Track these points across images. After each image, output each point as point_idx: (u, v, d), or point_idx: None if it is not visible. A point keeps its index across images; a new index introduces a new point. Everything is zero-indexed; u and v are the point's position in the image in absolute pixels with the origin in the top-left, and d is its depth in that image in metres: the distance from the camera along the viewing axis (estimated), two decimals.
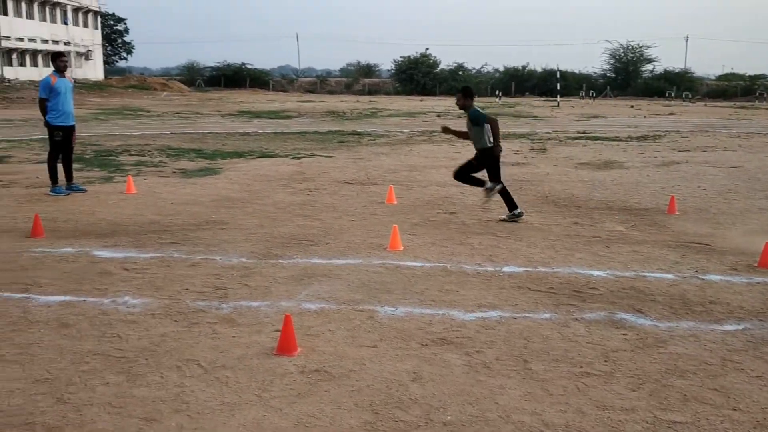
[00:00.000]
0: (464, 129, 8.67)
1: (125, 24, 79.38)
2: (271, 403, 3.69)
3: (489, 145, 8.21)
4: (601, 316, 5.08)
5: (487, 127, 8.15)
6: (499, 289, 5.69)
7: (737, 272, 6.25)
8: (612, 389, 3.91)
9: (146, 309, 5.13)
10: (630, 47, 65.12)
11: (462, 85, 9.54)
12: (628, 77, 64.29)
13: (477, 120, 8.21)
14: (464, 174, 8.60)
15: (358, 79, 71.72)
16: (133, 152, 15.16)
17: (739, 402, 3.76)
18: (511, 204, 8.39)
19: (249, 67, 70.25)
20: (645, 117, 31.50)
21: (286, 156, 14.86)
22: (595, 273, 6.18)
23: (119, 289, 5.57)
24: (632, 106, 42.23)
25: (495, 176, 8.36)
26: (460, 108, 8.50)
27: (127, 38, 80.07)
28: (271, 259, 6.51)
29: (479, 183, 8.55)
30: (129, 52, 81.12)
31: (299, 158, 14.51)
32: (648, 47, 65.35)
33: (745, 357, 4.36)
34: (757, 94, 55.96)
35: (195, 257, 6.55)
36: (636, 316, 5.10)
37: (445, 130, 8.98)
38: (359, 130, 21.86)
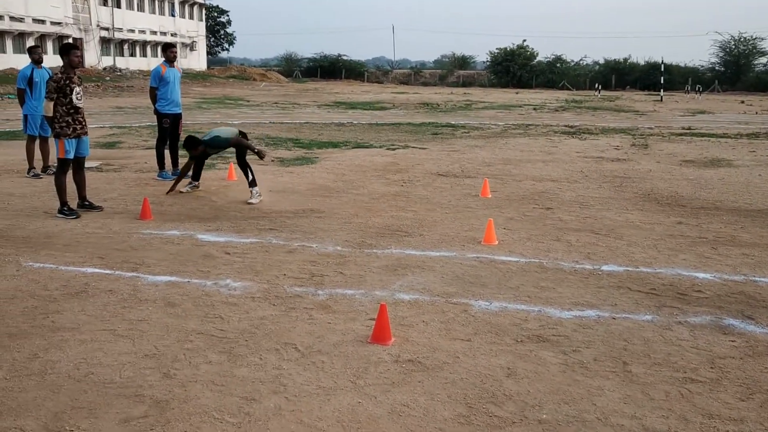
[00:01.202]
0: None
1: (228, 16, 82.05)
2: (366, 390, 3.74)
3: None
4: (707, 321, 4.85)
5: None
6: (597, 288, 5.53)
7: None
8: (719, 397, 3.73)
9: (246, 292, 5.31)
10: (742, 39, 61.63)
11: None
12: (738, 71, 60.85)
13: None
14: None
15: (453, 70, 71.24)
16: None
17: None
18: None
19: (345, 58, 71.13)
20: (757, 113, 29.74)
21: (381, 147, 14.97)
22: (701, 275, 5.91)
23: (221, 272, 5.79)
24: (742, 102, 39.97)
25: None
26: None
27: (229, 30, 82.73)
28: (366, 249, 6.58)
29: None
30: (231, 43, 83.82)
31: (393, 149, 14.58)
32: (762, 39, 62.08)
33: None
34: None
35: (292, 244, 6.71)
36: (745, 322, 4.84)
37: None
38: (453, 123, 21.74)
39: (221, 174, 10.81)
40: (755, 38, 61.35)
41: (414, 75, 71.27)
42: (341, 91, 44.16)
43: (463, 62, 76.31)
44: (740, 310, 5.09)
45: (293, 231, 7.23)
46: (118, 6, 55.45)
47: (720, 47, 62.40)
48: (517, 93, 49.03)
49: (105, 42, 53.89)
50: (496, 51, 65.43)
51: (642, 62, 62.70)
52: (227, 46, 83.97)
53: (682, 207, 8.88)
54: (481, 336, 4.53)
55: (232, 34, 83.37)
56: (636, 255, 6.53)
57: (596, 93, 46.94)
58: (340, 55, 71.22)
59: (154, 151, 10.71)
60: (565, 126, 21.01)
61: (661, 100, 39.41)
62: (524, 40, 65.66)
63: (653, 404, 3.65)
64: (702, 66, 63.76)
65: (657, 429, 3.40)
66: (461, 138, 17.28)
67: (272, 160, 12.60)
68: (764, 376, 4.00)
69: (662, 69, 45.18)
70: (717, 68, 62.62)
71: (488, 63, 67.40)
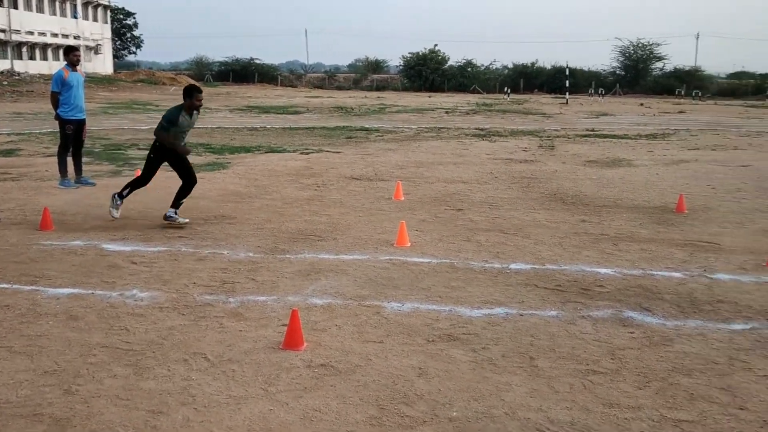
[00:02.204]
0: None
1: (134, 18, 79.61)
2: (277, 397, 3.70)
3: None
4: (608, 314, 5.07)
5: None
6: (506, 286, 5.69)
7: (745, 271, 6.22)
8: (618, 387, 3.90)
9: (154, 302, 5.16)
10: (640, 45, 64.85)
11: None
12: (637, 75, 63.98)
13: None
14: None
15: (367, 74, 71.63)
16: (141, 146, 15.19)
17: (746, 401, 3.75)
18: None
19: (257, 62, 70.32)
20: (654, 115, 31.35)
21: (294, 151, 14.88)
22: (603, 271, 6.16)
23: (127, 283, 5.60)
24: (642, 104, 42.03)
25: None
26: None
27: (136, 32, 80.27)
28: (279, 254, 6.52)
29: None
30: (138, 47, 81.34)
31: (307, 153, 14.52)
32: (658, 45, 65.10)
33: (752, 356, 4.35)
34: None
35: (202, 251, 6.57)
36: (643, 314, 5.09)
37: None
38: (367, 126, 21.86)
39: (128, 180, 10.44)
40: (652, 44, 64.73)
41: (328, 79, 71.22)
42: (254, 95, 43.63)
43: (376, 66, 76.87)
44: (638, 302, 5.34)
45: (203, 238, 7.08)
46: (15, 7, 52.80)
47: (620, 52, 65.46)
48: (429, 96, 49.79)
49: (1, 44, 51.21)
50: (409, 55, 66.30)
51: (548, 66, 65.00)
52: (134, 50, 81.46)
53: (586, 206, 9.25)
54: (393, 337, 4.57)
55: (139, 37, 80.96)
56: (542, 253, 6.74)
57: (505, 96, 48.26)
58: (252, 59, 70.35)
59: (55, 159, 10.25)
60: (476, 129, 21.49)
61: (567, 102, 40.95)
62: (436, 45, 66.81)
63: (558, 397, 3.78)
64: (604, 70, 66.73)
65: (561, 420, 3.52)
66: (375, 141, 17.40)
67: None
68: (660, 365, 4.21)
69: (567, 73, 46.93)
70: (618, 72, 65.61)
71: (401, 67, 68.14)
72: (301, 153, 14.59)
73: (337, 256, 6.51)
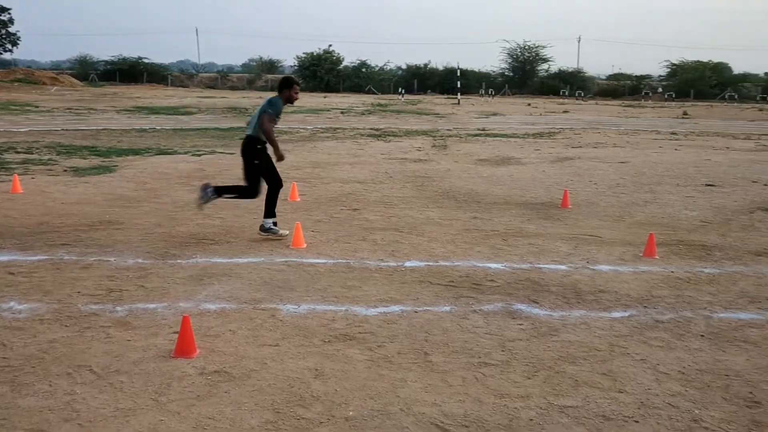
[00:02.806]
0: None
1: (9, 14, 74.75)
2: (169, 407, 3.58)
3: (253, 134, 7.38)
4: (499, 308, 5.23)
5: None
6: (401, 284, 5.76)
7: (624, 262, 6.59)
8: (508, 378, 4.04)
9: (33, 314, 4.87)
10: (526, 47, 67.30)
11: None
12: (525, 76, 66.38)
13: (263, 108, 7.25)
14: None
15: (261, 74, 70.57)
16: (19, 149, 14.33)
17: (625, 384, 3.97)
18: None
19: (146, 61, 67.66)
20: (541, 114, 32.66)
21: (186, 153, 14.46)
22: (493, 266, 6.36)
23: (3, 294, 5.26)
24: (529, 104, 43.69)
25: None
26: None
27: (12, 29, 75.48)
28: (170, 260, 6.32)
29: None
30: (14, 44, 76.41)
31: (199, 155, 14.15)
32: (543, 47, 67.69)
33: (630, 342, 4.61)
34: (643, 93, 59.11)
35: (87, 259, 6.27)
36: (531, 306, 5.29)
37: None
38: None
39: (4, 187, 9.84)
40: (538, 46, 67.27)
41: (221, 79, 69.63)
42: (143, 96, 42.02)
43: (271, 66, 75.87)
44: (527, 295, 5.55)
45: (88, 245, 6.75)
46: None
47: (508, 54, 67.64)
48: (325, 97, 49.69)
49: None
50: (304, 55, 65.85)
51: (441, 68, 66.25)
52: (10, 47, 76.39)
53: (477, 203, 9.51)
54: (289, 340, 4.53)
55: (15, 34, 76.13)
56: (436, 250, 6.88)
57: (400, 97, 48.86)
58: (140, 58, 67.66)
59: None
60: (371, 129, 21.66)
61: (459, 103, 41.96)
62: (330, 45, 66.73)
63: (451, 390, 3.86)
64: (494, 71, 68.73)
65: (454, 413, 3.60)
66: None
67: (64, 170, 11.69)
68: (547, 354, 4.39)
69: (459, 74, 48.07)
70: (507, 73, 67.80)
71: (296, 67, 67.59)
72: (193, 155, 14.20)
73: (231, 259, 6.38)
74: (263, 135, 7.24)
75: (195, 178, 11.07)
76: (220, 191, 7.35)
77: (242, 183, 7.37)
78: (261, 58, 77.20)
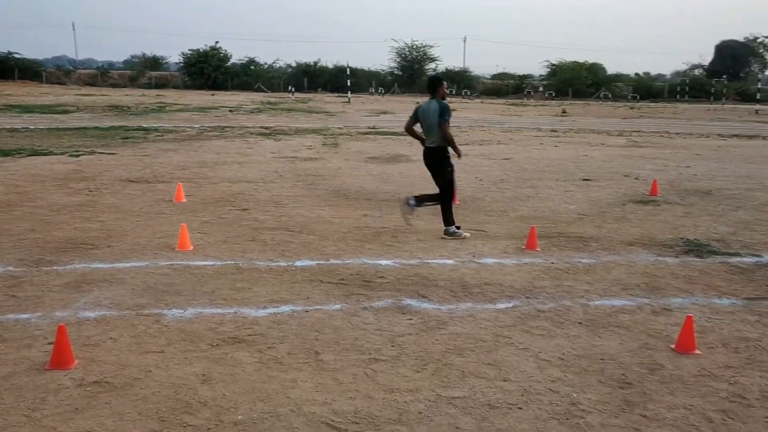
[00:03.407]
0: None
1: None
2: (43, 423, 3.39)
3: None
4: (389, 304, 5.29)
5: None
6: (291, 284, 5.71)
7: (508, 255, 6.83)
8: (398, 372, 4.09)
9: None
10: (414, 46, 68.43)
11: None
12: (413, 75, 67.42)
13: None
14: None
15: (144, 71, 67.91)
16: None
17: (509, 373, 4.12)
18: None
19: (17, 56, 63.53)
20: None
21: (63, 154, 13.70)
22: (384, 262, 6.43)
23: None
24: (418, 103, 44.45)
25: None
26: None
27: None
28: (44, 266, 5.98)
29: None
30: None
31: (77, 156, 13.44)
32: (431, 47, 69.06)
33: (514, 332, 4.79)
34: (526, 92, 61.58)
35: None
36: (420, 301, 5.39)
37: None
38: (145, 126, 20.75)
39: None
40: (425, 46, 68.56)
41: (101, 76, 66.37)
42: (14, 93, 39.45)
43: (155, 63, 73.22)
44: (416, 290, 5.64)
45: None
46: None
47: (397, 53, 68.50)
48: (213, 95, 48.52)
49: None
50: (189, 52, 63.94)
51: (331, 66, 66.24)
52: None
53: (368, 200, 9.58)
54: (175, 345, 4.39)
55: None
56: (327, 248, 6.87)
57: (290, 95, 48.48)
58: (11, 53, 63.45)
59: None
60: (261, 127, 21.35)
61: (349, 101, 42.13)
62: (217, 42, 65.13)
63: (342, 388, 3.87)
64: (383, 70, 69.43)
65: (345, 411, 3.61)
66: (154, 142, 16.58)
67: None
68: (436, 347, 4.48)
69: (348, 72, 48.22)
70: (396, 72, 68.65)
71: (181, 64, 65.55)
72: (71, 155, 13.48)
73: (113, 264, 6.11)
74: (446, 142, 7.68)
75: (73, 180, 10.53)
76: (420, 200, 7.75)
77: (432, 190, 7.88)
78: (144, 54, 74.40)
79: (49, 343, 4.23)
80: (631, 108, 45.15)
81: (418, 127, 7.72)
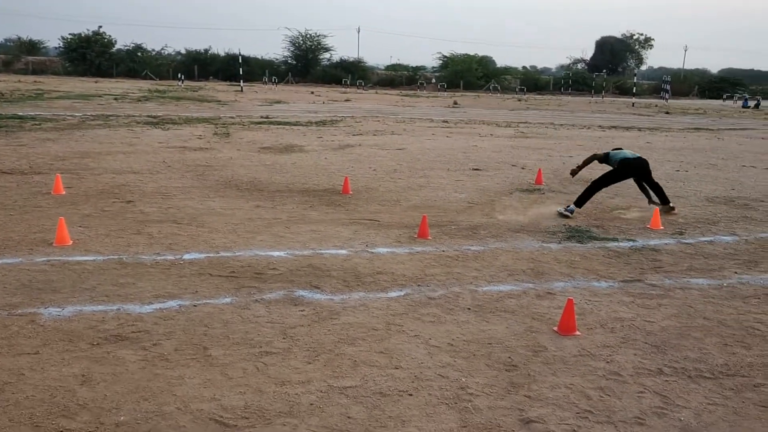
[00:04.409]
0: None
1: None
2: None
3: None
4: (281, 296, 5.23)
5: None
6: (179, 278, 5.53)
7: (401, 244, 6.91)
8: (290, 365, 4.05)
9: None
10: (309, 36, 67.91)
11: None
12: (308, 64, 66.98)
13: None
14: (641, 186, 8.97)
15: (20, 56, 63.77)
16: None
17: (400, 360, 4.17)
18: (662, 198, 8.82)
19: None
20: (324, 103, 33.18)
21: None
22: (276, 254, 6.34)
23: None
24: (312, 93, 44.20)
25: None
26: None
27: None
28: None
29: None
30: None
31: None
32: (325, 36, 68.75)
33: (405, 320, 4.85)
34: (419, 83, 62.53)
35: None
36: (313, 291, 5.35)
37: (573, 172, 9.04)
38: (21, 114, 19.49)
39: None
40: (319, 35, 68.19)
41: None
42: None
43: (31, 47, 68.89)
44: (309, 281, 5.60)
45: None
46: None
47: (291, 42, 67.76)
48: (96, 82, 46.23)
49: None
50: (70, 37, 60.62)
51: (223, 53, 64.67)
52: None
53: (260, 191, 9.43)
54: (52, 346, 4.15)
55: None
56: (217, 241, 6.70)
57: (179, 83, 46.98)
58: None
59: None
60: (148, 116, 20.55)
61: (242, 90, 41.29)
62: (100, 27, 62.07)
63: (231, 383, 3.79)
64: (277, 59, 68.48)
65: (235, 406, 3.53)
66: (30, 131, 15.61)
67: None
68: (328, 338, 4.47)
69: (240, 60, 47.27)
70: (290, 61, 67.90)
71: (62, 49, 62.06)
72: None
73: None
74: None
75: None
76: (580, 202, 8.57)
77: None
78: (19, 37, 69.78)
79: None
80: (519, 100, 46.80)
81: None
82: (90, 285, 5.26)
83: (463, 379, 3.96)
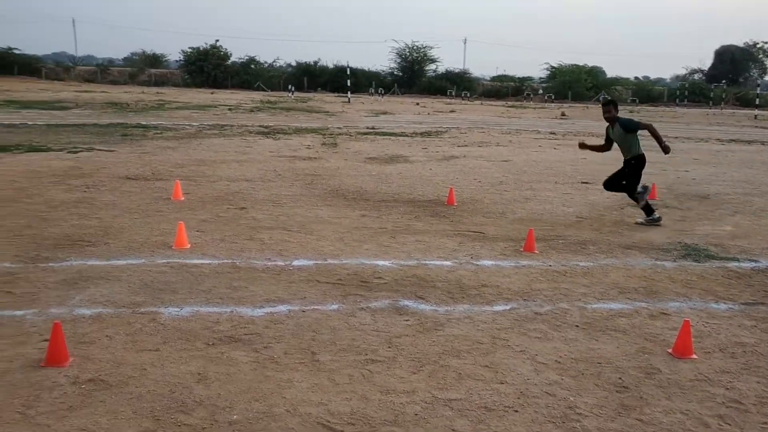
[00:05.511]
0: (597, 143, 8.97)
1: None
2: (37, 420, 3.37)
3: (641, 152, 8.73)
4: (386, 304, 5.28)
5: (638, 134, 8.69)
6: (288, 283, 5.69)
7: (506, 257, 6.82)
8: (395, 374, 4.08)
9: None
10: (415, 47, 68.44)
11: (609, 98, 9.60)
12: (413, 76, 67.47)
13: (628, 127, 8.64)
14: (614, 183, 8.97)
15: (144, 69, 67.86)
16: None
17: (506, 375, 4.11)
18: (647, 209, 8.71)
19: (17, 52, 63.42)
20: (429, 114, 33.31)
21: (61, 150, 13.68)
22: (381, 263, 6.41)
23: None
24: (417, 104, 44.47)
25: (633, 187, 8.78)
26: (608, 120, 8.87)
27: None
28: (41, 263, 5.95)
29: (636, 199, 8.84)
30: None
31: (76, 152, 13.42)
32: (431, 48, 69.04)
33: (511, 334, 4.78)
34: (525, 94, 61.61)
35: None
36: (417, 302, 5.37)
37: (582, 146, 9.09)
38: (144, 123, 20.74)
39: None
40: (425, 47, 68.58)
41: (101, 72, 66.34)
42: (13, 89, 39.37)
43: (155, 60, 73.12)
44: (413, 291, 5.63)
45: None
46: None
47: (397, 54, 68.51)
48: (212, 93, 48.50)
49: None
50: (189, 50, 63.93)
51: (331, 65, 66.22)
52: None
53: (366, 201, 9.57)
54: (171, 344, 4.38)
55: None
56: (324, 248, 6.86)
57: (290, 94, 48.45)
58: (10, 48, 63.35)
59: None
60: (260, 126, 21.33)
61: (349, 101, 42.11)
62: (217, 40, 65.11)
63: (338, 389, 3.86)
64: (383, 71, 69.40)
65: (341, 412, 3.60)
66: (153, 139, 16.56)
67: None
68: (432, 349, 4.47)
69: (349, 72, 48.20)
70: (396, 73, 68.65)
71: (182, 62, 65.54)
72: (69, 152, 13.45)
73: (109, 261, 6.09)
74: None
75: (71, 176, 10.50)
76: (648, 212, 8.68)
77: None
78: (144, 51, 74.26)
79: (44, 340, 4.22)
80: (631, 112, 45.17)
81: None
82: (206, 287, 5.51)
83: (571, 398, 3.85)
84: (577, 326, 4.98)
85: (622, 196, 10.63)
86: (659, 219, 8.64)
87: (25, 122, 19.55)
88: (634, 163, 8.78)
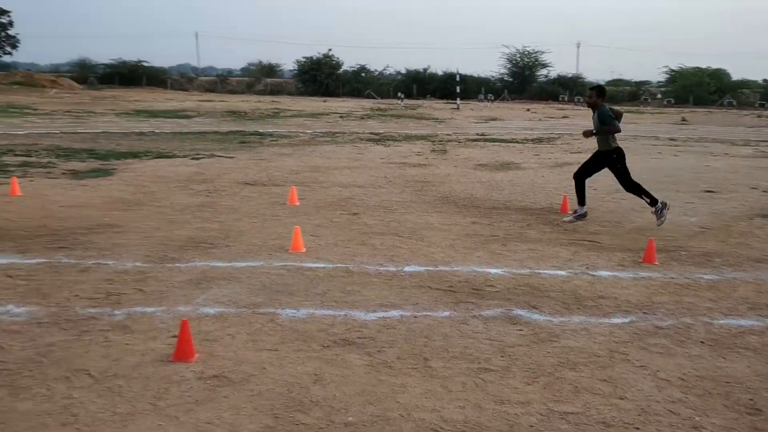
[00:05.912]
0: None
1: (9, 17, 74.68)
2: (167, 412, 3.57)
3: (617, 145, 8.55)
4: (498, 313, 5.22)
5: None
6: (400, 289, 5.74)
7: (624, 268, 6.58)
8: (508, 383, 4.02)
9: (32, 317, 4.85)
10: (526, 52, 67.29)
11: (596, 84, 9.46)
12: (524, 81, 66.37)
13: (601, 119, 8.40)
14: (583, 174, 8.88)
15: (260, 78, 70.54)
16: (18, 152, 14.33)
17: (625, 391, 3.96)
18: (650, 198, 8.54)
19: (146, 64, 67.61)
20: (540, 120, 32.67)
21: (185, 156, 14.45)
22: (493, 271, 6.34)
23: (1, 298, 5.24)
24: (528, 110, 43.71)
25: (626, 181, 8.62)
26: (590, 106, 8.74)
27: (11, 31, 75.36)
28: (168, 263, 6.31)
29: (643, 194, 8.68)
30: (14, 47, 76.28)
31: (198, 159, 14.14)
32: (542, 53, 67.62)
33: (630, 348, 4.60)
34: (642, 99, 59.22)
35: (86, 262, 6.26)
36: (531, 311, 5.27)
37: (587, 134, 8.75)
38: (261, 131, 21.56)
39: (2, 190, 9.82)
40: (537, 52, 67.32)
41: (220, 83, 69.60)
42: (142, 99, 42.01)
43: (270, 70, 75.88)
44: (527, 300, 5.53)
45: (87, 248, 6.74)
46: None
47: (508, 59, 67.63)
48: (324, 101, 49.72)
49: None
50: (303, 60, 65.86)
51: (440, 72, 66.25)
52: (10, 50, 76.24)
53: (477, 208, 9.50)
54: (288, 344, 4.52)
55: (14, 37, 76.00)
56: (435, 255, 6.87)
57: (399, 101, 48.89)
58: (140, 61, 67.63)
59: None
60: (371, 133, 21.67)
61: (458, 108, 41.98)
62: (330, 50, 66.70)
63: (451, 396, 3.85)
64: (493, 76, 68.68)
65: (454, 419, 3.58)
66: (269, 146, 17.19)
67: (63, 173, 11.69)
68: (547, 360, 4.37)
69: (458, 79, 48.09)
70: (506, 79, 67.78)
71: (296, 72, 67.62)
72: (192, 158, 14.20)
73: (230, 263, 6.37)
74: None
75: (194, 182, 11.07)
76: (653, 202, 8.51)
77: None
78: (260, 62, 77.21)
79: (173, 336, 4.46)
80: (759, 116, 42.40)
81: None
82: (321, 290, 5.65)
83: (697, 418, 3.66)
84: (702, 342, 4.73)
85: (750, 206, 10.02)
86: (664, 205, 8.39)
87: (153, 130, 20.80)
88: (616, 157, 8.60)
